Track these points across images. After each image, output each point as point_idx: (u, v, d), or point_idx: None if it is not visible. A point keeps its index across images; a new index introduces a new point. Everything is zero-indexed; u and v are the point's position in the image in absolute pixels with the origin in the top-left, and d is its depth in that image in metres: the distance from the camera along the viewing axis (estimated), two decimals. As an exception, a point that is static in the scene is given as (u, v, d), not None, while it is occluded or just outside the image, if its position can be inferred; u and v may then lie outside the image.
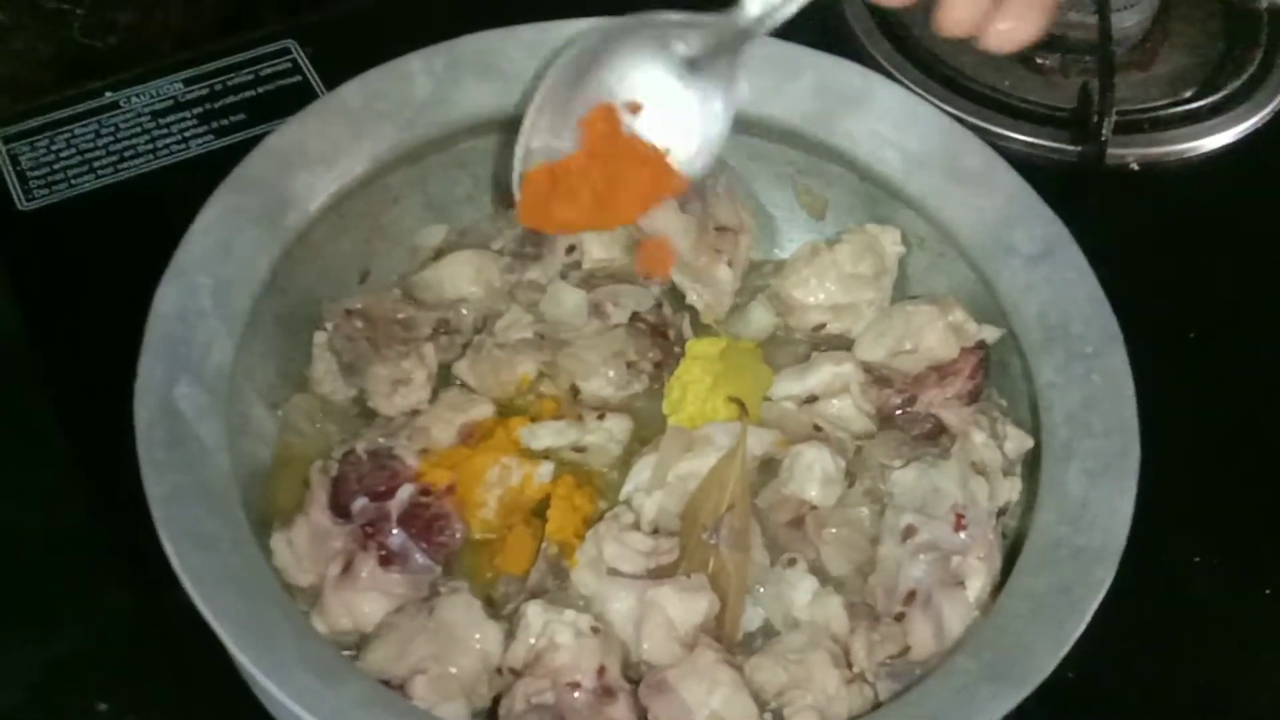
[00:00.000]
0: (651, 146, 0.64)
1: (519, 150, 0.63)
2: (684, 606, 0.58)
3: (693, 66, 0.63)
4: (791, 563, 0.62)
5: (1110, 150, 0.82)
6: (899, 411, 0.66)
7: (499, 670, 0.57)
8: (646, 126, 0.63)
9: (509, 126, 0.69)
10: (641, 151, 0.64)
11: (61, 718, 0.61)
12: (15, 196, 0.79)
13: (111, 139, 0.82)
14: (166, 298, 0.57)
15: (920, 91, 0.79)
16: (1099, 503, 0.56)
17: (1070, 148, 0.84)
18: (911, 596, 0.59)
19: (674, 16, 0.62)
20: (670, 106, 0.63)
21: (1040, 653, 0.52)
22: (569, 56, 0.63)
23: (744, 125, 0.70)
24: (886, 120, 0.67)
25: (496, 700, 0.57)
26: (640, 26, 0.63)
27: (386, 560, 0.59)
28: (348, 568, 0.58)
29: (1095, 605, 0.53)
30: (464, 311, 0.68)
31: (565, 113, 0.63)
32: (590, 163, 0.63)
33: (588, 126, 0.63)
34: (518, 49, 0.68)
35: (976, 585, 0.59)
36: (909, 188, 0.67)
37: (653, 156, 0.64)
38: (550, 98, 0.63)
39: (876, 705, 0.57)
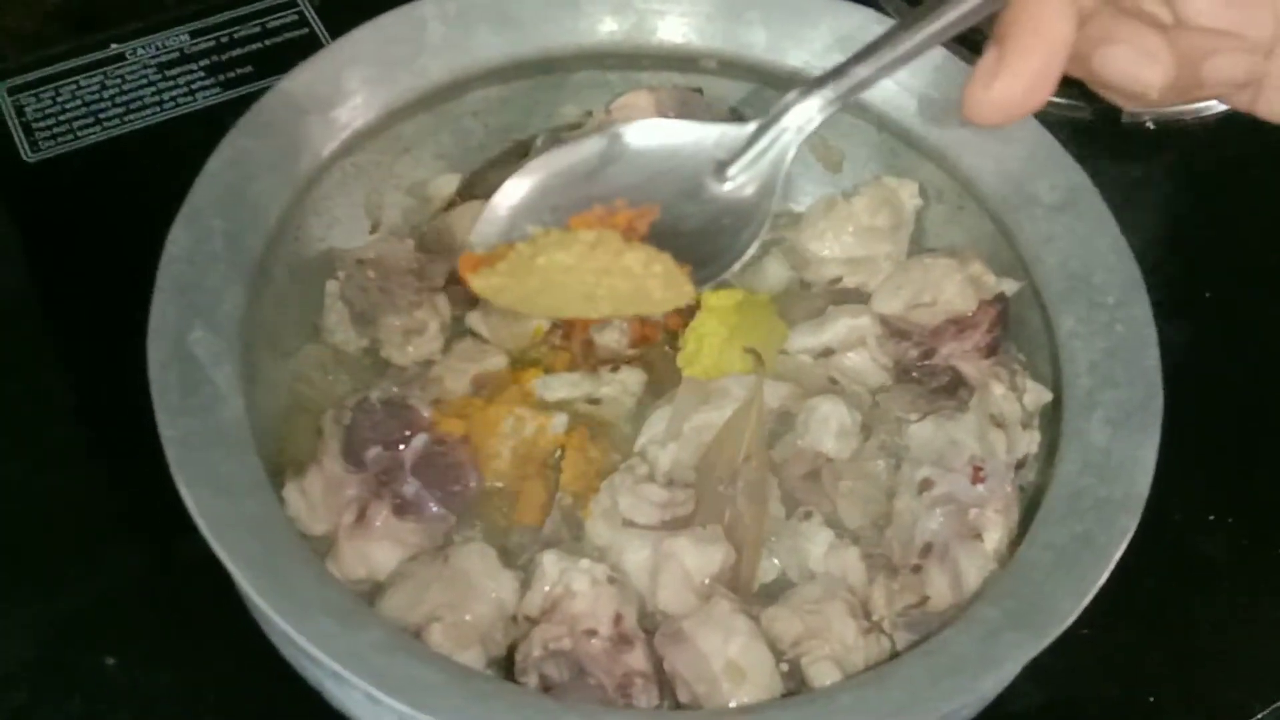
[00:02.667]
0: (658, 254, 0.55)
1: (494, 205, 0.57)
2: (700, 557, 0.58)
3: (726, 175, 0.57)
4: (807, 515, 0.61)
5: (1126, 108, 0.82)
6: (916, 364, 0.66)
7: (514, 619, 0.57)
8: (660, 236, 0.56)
9: (522, 74, 0.69)
10: (643, 257, 0.55)
11: (70, 673, 0.60)
12: (21, 148, 0.78)
13: (118, 91, 0.81)
14: (178, 240, 0.56)
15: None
16: (1122, 452, 0.56)
17: (1086, 105, 0.84)
18: (928, 549, 0.59)
19: (711, 125, 0.58)
20: (693, 218, 0.57)
21: (1063, 601, 0.52)
22: (584, 141, 0.58)
23: (758, 76, 0.70)
24: (905, 69, 0.66)
25: (511, 650, 0.57)
26: (670, 125, 0.58)
27: (401, 509, 0.58)
28: (361, 516, 0.58)
29: (1119, 554, 0.52)
30: (477, 261, 0.67)
31: (559, 199, 0.57)
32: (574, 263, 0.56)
33: (579, 224, 0.56)
34: (532, -5, 0.67)
35: (994, 538, 0.58)
36: (928, 138, 0.67)
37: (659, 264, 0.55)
38: (549, 175, 0.57)
39: (894, 656, 0.57)
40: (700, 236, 0.56)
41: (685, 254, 0.55)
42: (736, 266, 0.56)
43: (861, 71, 0.53)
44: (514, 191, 0.58)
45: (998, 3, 0.48)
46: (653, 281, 0.54)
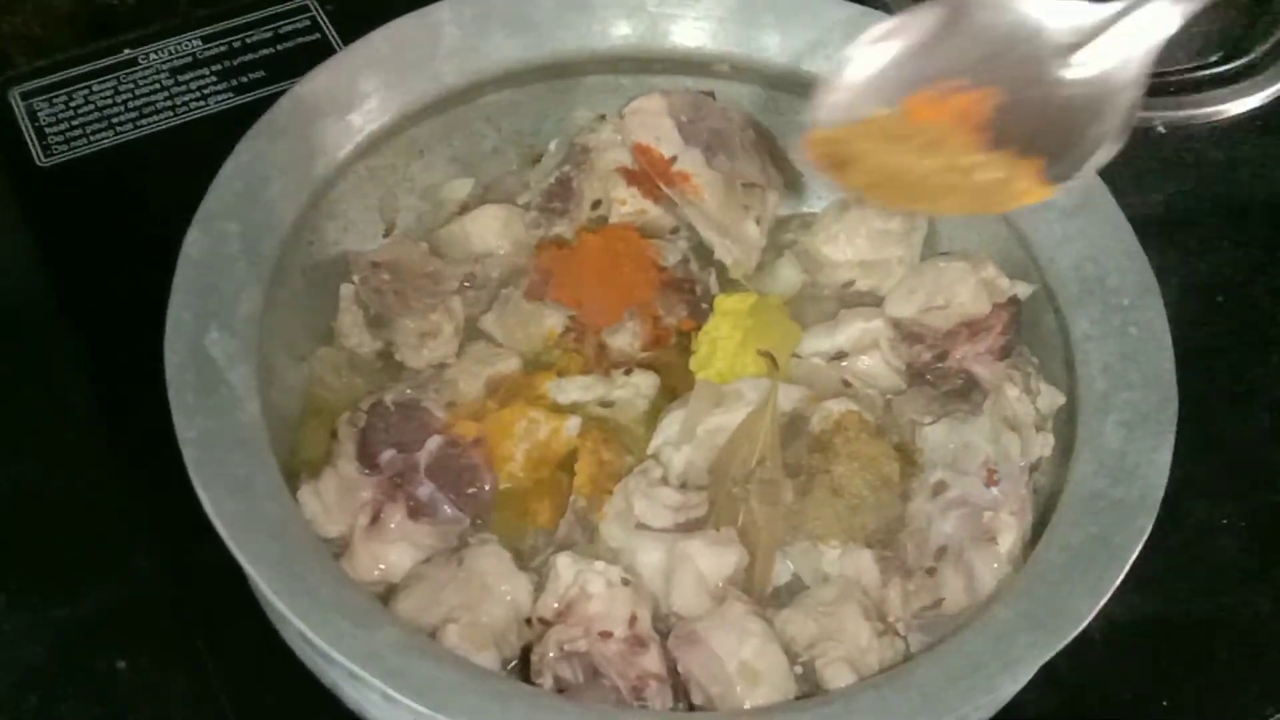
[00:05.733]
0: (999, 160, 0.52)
1: (836, 81, 0.54)
2: (714, 559, 0.58)
3: (1076, 54, 0.52)
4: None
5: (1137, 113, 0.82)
6: (930, 368, 0.66)
7: (528, 621, 0.57)
8: (1003, 123, 0.52)
9: (535, 77, 0.69)
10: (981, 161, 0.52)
11: (82, 676, 0.61)
12: (35, 153, 0.78)
13: (130, 96, 0.81)
14: (195, 244, 0.57)
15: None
16: (1137, 454, 0.56)
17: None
18: (942, 552, 0.59)
19: (1066, 2, 0.53)
20: (1041, 103, 0.52)
21: (1078, 603, 0.52)
22: (925, 10, 0.53)
23: (771, 80, 0.70)
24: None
25: (525, 651, 0.57)
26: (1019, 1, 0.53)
27: (415, 511, 0.58)
28: (376, 518, 0.58)
29: (1135, 554, 0.52)
30: (490, 265, 0.68)
31: (899, 73, 0.53)
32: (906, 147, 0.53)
33: (918, 106, 0.52)
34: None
35: (1008, 540, 0.58)
36: (941, 141, 0.66)
37: (1002, 159, 0.52)
38: (888, 49, 0.53)
39: (908, 658, 0.57)
40: (1051, 125, 0.52)
41: (1036, 143, 0.51)
42: (1090, 167, 0.52)
43: None
44: (856, 65, 0.54)
45: None
46: (995, 183, 0.52)
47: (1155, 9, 0.51)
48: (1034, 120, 0.52)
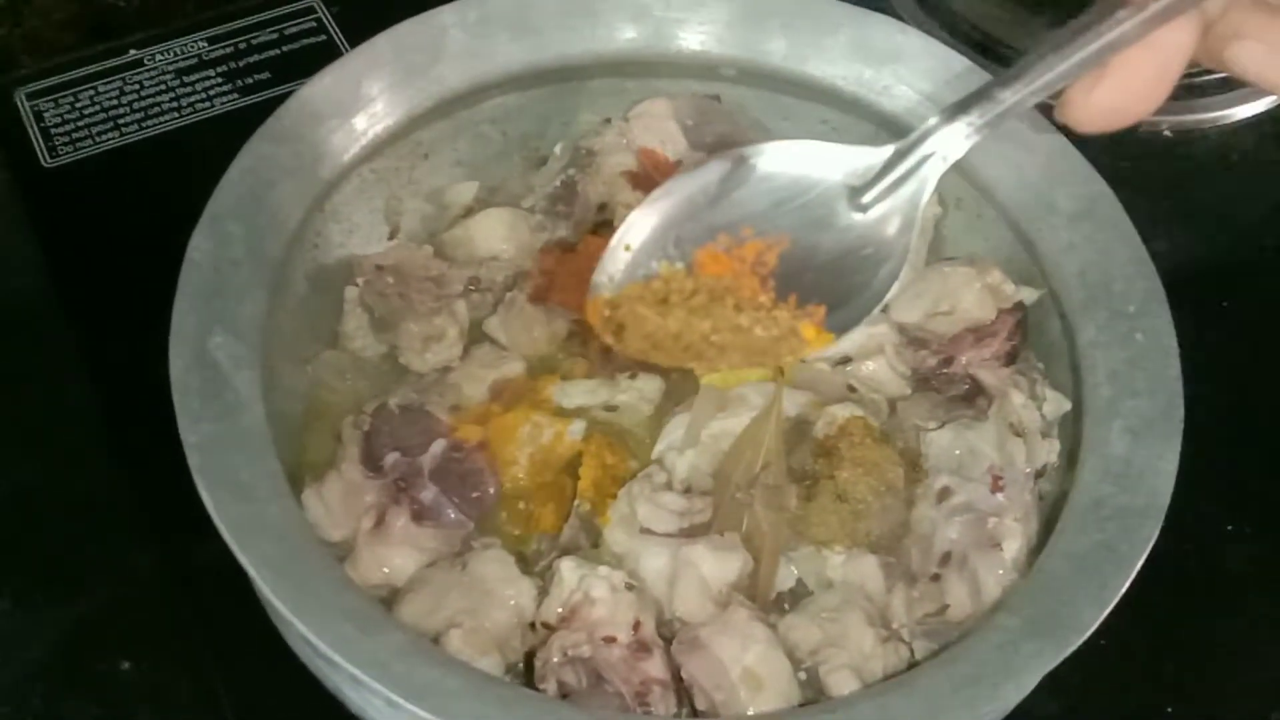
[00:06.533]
0: (778, 301, 0.53)
1: (614, 244, 0.55)
2: (717, 565, 0.58)
3: (860, 202, 0.53)
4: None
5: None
6: (935, 373, 0.65)
7: (532, 626, 0.57)
8: (787, 271, 0.52)
9: (540, 81, 0.69)
10: (765, 302, 0.53)
11: (85, 677, 0.61)
12: (40, 154, 0.78)
13: (136, 97, 0.81)
14: (199, 246, 0.56)
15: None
16: (1143, 461, 0.55)
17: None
18: (947, 558, 0.59)
19: (842, 148, 0.54)
20: (825, 250, 0.52)
21: (1083, 611, 0.51)
22: (707, 165, 0.54)
23: (778, 84, 0.70)
24: (925, 77, 0.67)
25: (529, 656, 0.57)
26: (798, 147, 0.54)
27: (419, 515, 0.58)
28: (380, 522, 0.58)
29: (1140, 562, 0.52)
30: (495, 269, 0.67)
31: (682, 230, 0.54)
32: (694, 302, 0.54)
33: (705, 260, 0.53)
34: (552, 3, 0.67)
35: (1013, 547, 0.58)
36: (947, 146, 0.66)
37: (782, 315, 0.53)
38: (670, 206, 0.54)
39: (913, 665, 0.57)
40: (835, 271, 0.53)
41: (819, 290, 0.52)
42: (878, 309, 0.53)
43: (1007, 96, 0.50)
44: (637, 227, 0.55)
45: (1150, 26, 0.45)
46: (774, 339, 0.53)
47: (935, 143, 0.52)
48: (819, 267, 0.53)
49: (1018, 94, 0.50)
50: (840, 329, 0.54)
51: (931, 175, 0.53)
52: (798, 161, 0.54)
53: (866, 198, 0.54)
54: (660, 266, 0.53)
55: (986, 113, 0.51)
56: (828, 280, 0.53)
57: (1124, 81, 0.45)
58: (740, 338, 0.54)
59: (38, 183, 0.77)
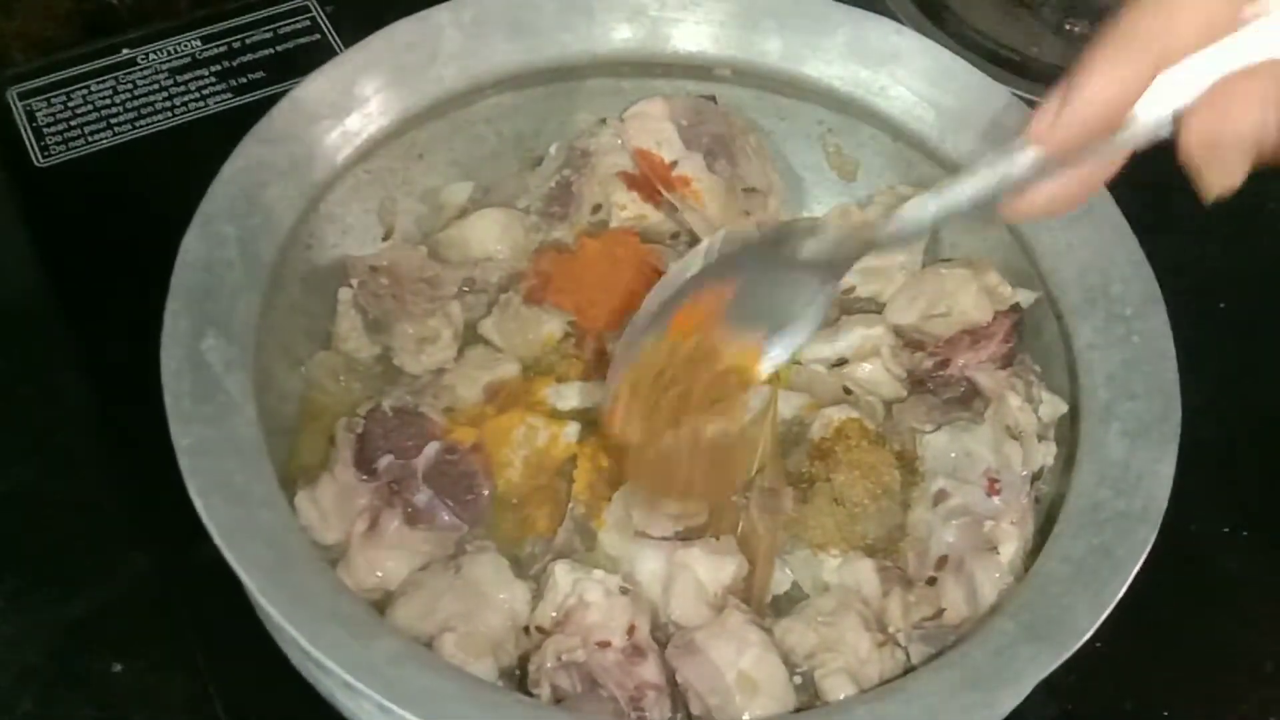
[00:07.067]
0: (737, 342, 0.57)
1: (616, 364, 0.58)
2: (712, 568, 0.58)
3: (796, 261, 0.55)
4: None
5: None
6: (931, 375, 0.65)
7: (526, 629, 0.57)
8: (738, 306, 0.56)
9: (536, 81, 0.68)
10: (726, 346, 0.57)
11: (78, 679, 0.60)
12: (32, 153, 0.78)
13: (129, 96, 0.81)
14: (192, 247, 0.56)
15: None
16: (1140, 465, 0.55)
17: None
18: (943, 561, 0.59)
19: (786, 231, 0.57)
20: (764, 295, 0.56)
21: (1081, 614, 0.51)
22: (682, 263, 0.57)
23: (775, 84, 0.70)
24: (922, 78, 0.67)
25: (523, 660, 0.56)
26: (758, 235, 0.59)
27: (412, 518, 0.58)
28: (373, 525, 0.58)
29: (1138, 567, 0.52)
30: (490, 269, 0.67)
31: (664, 311, 0.57)
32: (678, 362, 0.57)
33: (679, 321, 0.56)
34: (548, 3, 0.67)
35: (1010, 550, 0.58)
36: (944, 147, 0.66)
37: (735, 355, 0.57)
38: (655, 304, 0.57)
39: (909, 669, 0.56)
40: (773, 307, 0.56)
41: (757, 321, 0.56)
42: (803, 339, 0.57)
43: (928, 212, 0.50)
44: (627, 335, 0.57)
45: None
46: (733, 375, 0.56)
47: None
48: (762, 305, 0.56)
49: (935, 212, 0.50)
50: (771, 360, 0.57)
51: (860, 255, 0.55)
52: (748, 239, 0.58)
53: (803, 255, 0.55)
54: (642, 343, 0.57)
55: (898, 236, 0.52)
56: (767, 313, 0.56)
57: (1061, 187, 0.47)
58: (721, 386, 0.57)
59: (30, 182, 0.77)
